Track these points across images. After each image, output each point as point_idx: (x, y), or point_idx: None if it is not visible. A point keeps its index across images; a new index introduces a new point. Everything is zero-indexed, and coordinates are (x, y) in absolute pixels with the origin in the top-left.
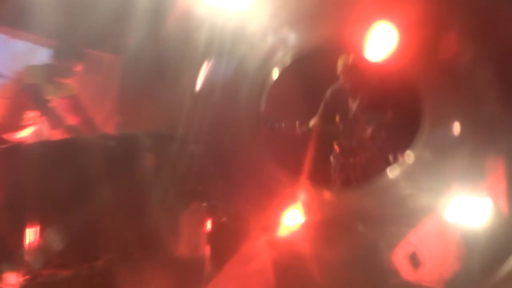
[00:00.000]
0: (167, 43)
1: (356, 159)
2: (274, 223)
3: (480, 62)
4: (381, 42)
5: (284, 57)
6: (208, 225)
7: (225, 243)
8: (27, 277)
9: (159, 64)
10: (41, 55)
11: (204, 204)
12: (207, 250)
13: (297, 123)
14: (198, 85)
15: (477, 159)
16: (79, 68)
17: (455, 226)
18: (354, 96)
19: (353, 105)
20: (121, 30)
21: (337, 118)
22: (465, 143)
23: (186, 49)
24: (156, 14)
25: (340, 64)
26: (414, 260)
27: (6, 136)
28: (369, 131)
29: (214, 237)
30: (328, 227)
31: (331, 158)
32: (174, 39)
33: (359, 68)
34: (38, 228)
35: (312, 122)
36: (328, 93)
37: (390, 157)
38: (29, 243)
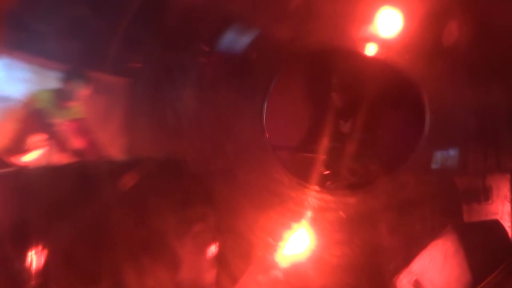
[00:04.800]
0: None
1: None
2: (280, 238)
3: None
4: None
5: (287, 61)
6: (213, 248)
7: (231, 266)
8: None
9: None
10: (49, 79)
11: (209, 226)
12: (212, 274)
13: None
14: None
15: (481, 178)
16: (86, 92)
17: (459, 252)
18: (345, 117)
19: (345, 127)
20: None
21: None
22: (469, 160)
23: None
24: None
25: (333, 82)
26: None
27: (13, 160)
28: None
29: (219, 260)
30: (334, 231)
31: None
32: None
33: (353, 88)
34: (43, 251)
35: (298, 144)
36: (316, 112)
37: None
38: (34, 267)
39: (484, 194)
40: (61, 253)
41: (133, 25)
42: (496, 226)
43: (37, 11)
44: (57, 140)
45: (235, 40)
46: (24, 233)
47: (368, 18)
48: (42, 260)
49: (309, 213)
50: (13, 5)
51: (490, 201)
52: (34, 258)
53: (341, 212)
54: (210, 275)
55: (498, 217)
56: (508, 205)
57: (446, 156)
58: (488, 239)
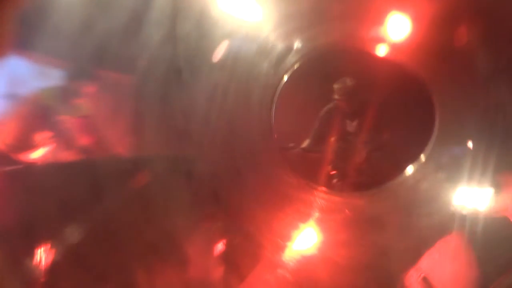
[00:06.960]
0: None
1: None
2: (288, 238)
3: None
4: (393, 37)
5: (295, 63)
6: (221, 247)
7: (239, 264)
8: None
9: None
10: (55, 77)
11: (217, 226)
12: (220, 271)
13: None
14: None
15: (490, 176)
16: (93, 89)
17: (469, 249)
18: (352, 117)
19: (352, 126)
20: (135, 51)
21: (332, 140)
22: (478, 159)
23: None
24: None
25: (336, 87)
26: (427, 284)
27: (19, 157)
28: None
29: (228, 258)
30: (342, 232)
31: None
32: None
33: (359, 91)
34: (51, 249)
35: (305, 143)
36: (323, 112)
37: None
38: (43, 265)
39: (494, 192)
40: (69, 251)
41: (143, 23)
42: (506, 224)
43: (47, 11)
44: (63, 137)
45: (245, 40)
46: (33, 231)
47: (378, 19)
48: (51, 258)
49: (317, 214)
50: (25, 5)
51: (499, 199)
52: (43, 256)
53: (348, 212)
54: (218, 274)
55: (507, 214)
56: None
57: (455, 156)
58: (498, 237)
